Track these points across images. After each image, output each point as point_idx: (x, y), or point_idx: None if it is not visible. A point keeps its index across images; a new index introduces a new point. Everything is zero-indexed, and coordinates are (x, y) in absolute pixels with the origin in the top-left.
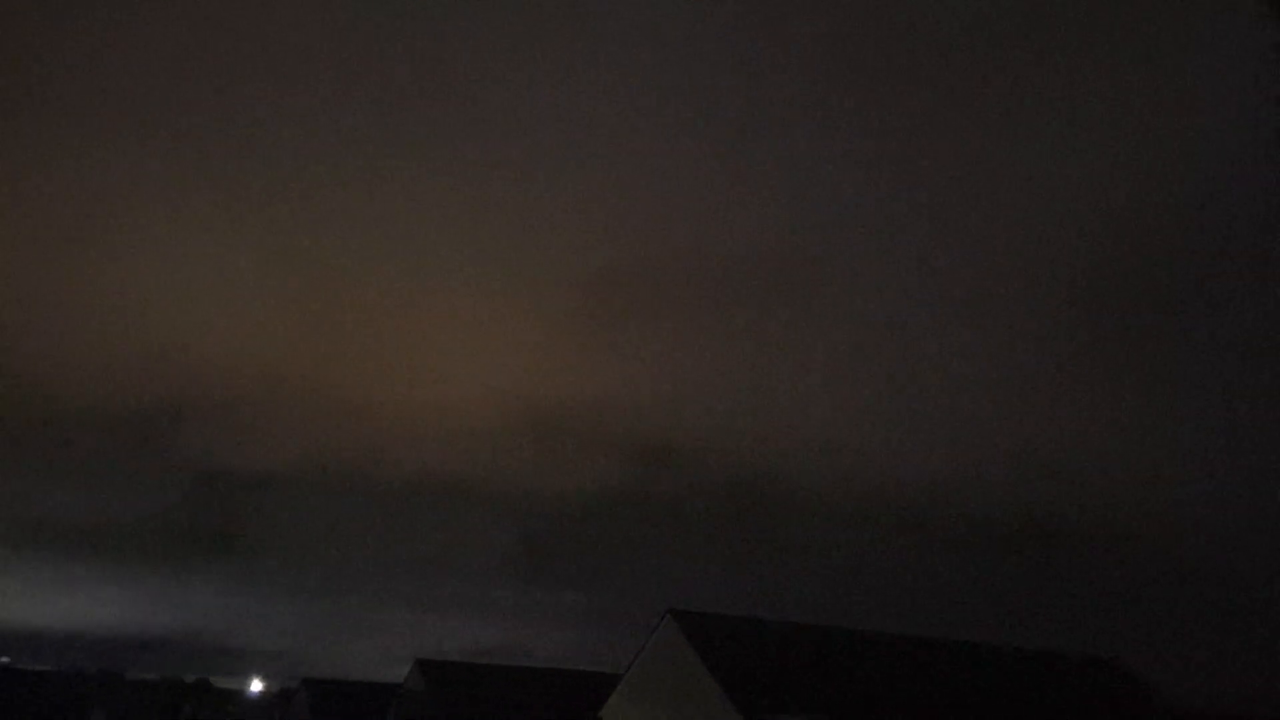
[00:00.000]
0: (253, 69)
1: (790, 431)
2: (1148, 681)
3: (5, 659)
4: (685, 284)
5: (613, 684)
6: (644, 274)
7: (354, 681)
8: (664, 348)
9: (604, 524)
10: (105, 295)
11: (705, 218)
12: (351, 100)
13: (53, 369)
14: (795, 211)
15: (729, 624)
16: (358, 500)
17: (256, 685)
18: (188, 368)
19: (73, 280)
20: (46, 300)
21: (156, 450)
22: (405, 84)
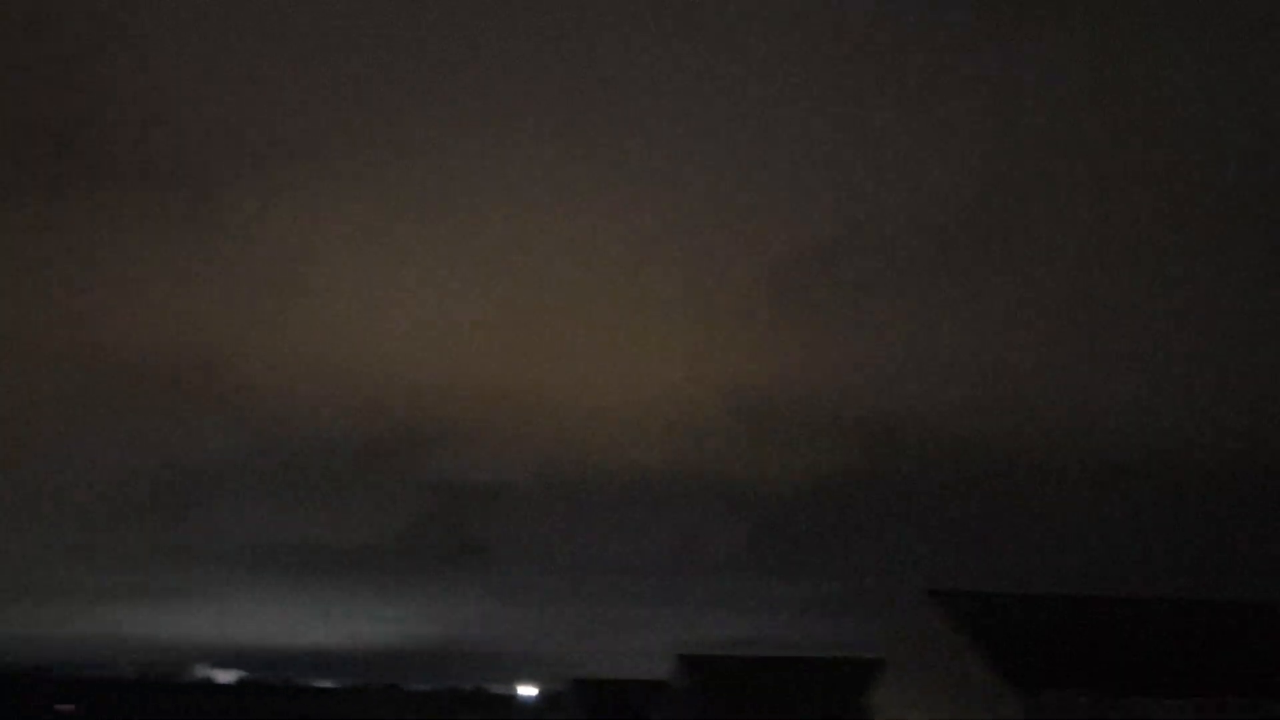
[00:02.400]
0: (452, 113)
1: (1018, 396)
2: None
3: (289, 677)
4: (888, 256)
5: (872, 670)
6: (845, 249)
7: (621, 680)
8: (875, 323)
9: (839, 508)
10: (338, 335)
11: (902, 184)
12: (541, 128)
13: (299, 405)
14: (991, 167)
15: (988, 599)
16: (596, 502)
17: (527, 689)
18: (420, 394)
19: (307, 323)
20: (284, 344)
21: (401, 472)
22: (593, 98)
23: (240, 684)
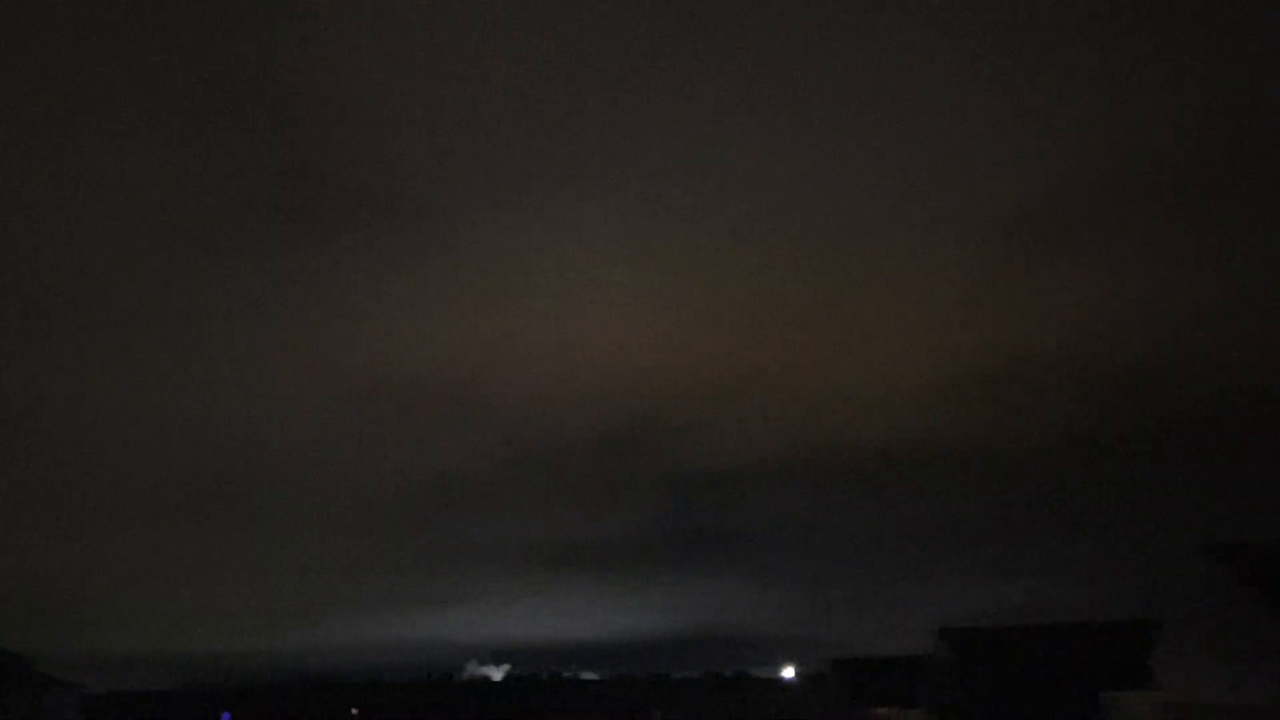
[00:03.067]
0: (665, 113)
1: (1275, 339)
2: None
3: (553, 669)
4: (1107, 207)
5: (1149, 632)
6: (1083, 197)
7: (882, 658)
8: (1119, 271)
9: (1096, 465)
10: (576, 340)
11: (1117, 129)
12: (756, 110)
13: (545, 410)
14: (1236, 101)
15: (1272, 551)
16: (844, 480)
17: (789, 672)
18: (658, 388)
19: (546, 333)
20: (527, 355)
21: (647, 466)
22: (807, 74)
23: (511, 679)
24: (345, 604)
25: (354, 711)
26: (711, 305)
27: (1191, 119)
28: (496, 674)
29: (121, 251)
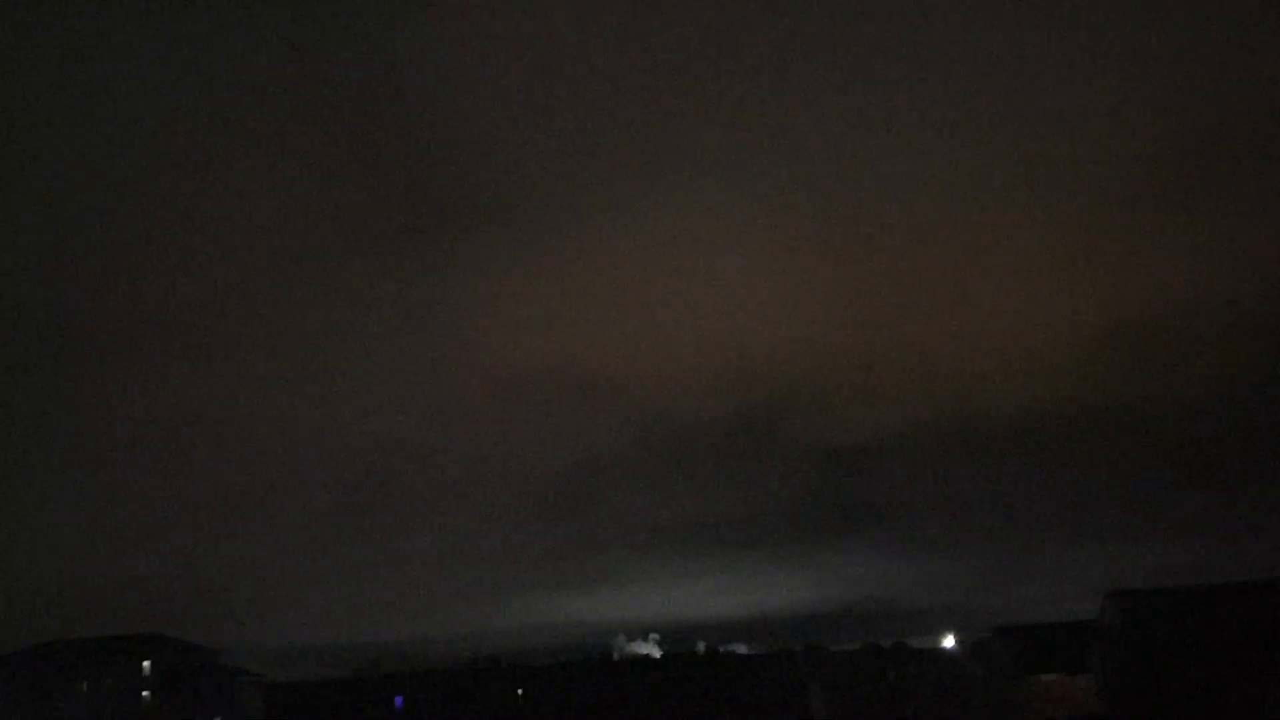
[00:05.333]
0: (770, 108)
1: None
2: None
3: (709, 644)
4: (1249, 149)
5: None
6: (1201, 147)
7: (1046, 624)
8: (1247, 223)
9: (1254, 416)
10: (705, 322)
11: (1260, 68)
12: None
13: (675, 390)
14: None
15: None
16: (989, 447)
17: (949, 641)
18: (789, 363)
19: (670, 319)
20: (654, 340)
21: (781, 440)
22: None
23: (668, 655)
24: (501, 589)
25: (519, 692)
26: (841, 279)
27: None
28: (653, 650)
29: (270, 269)
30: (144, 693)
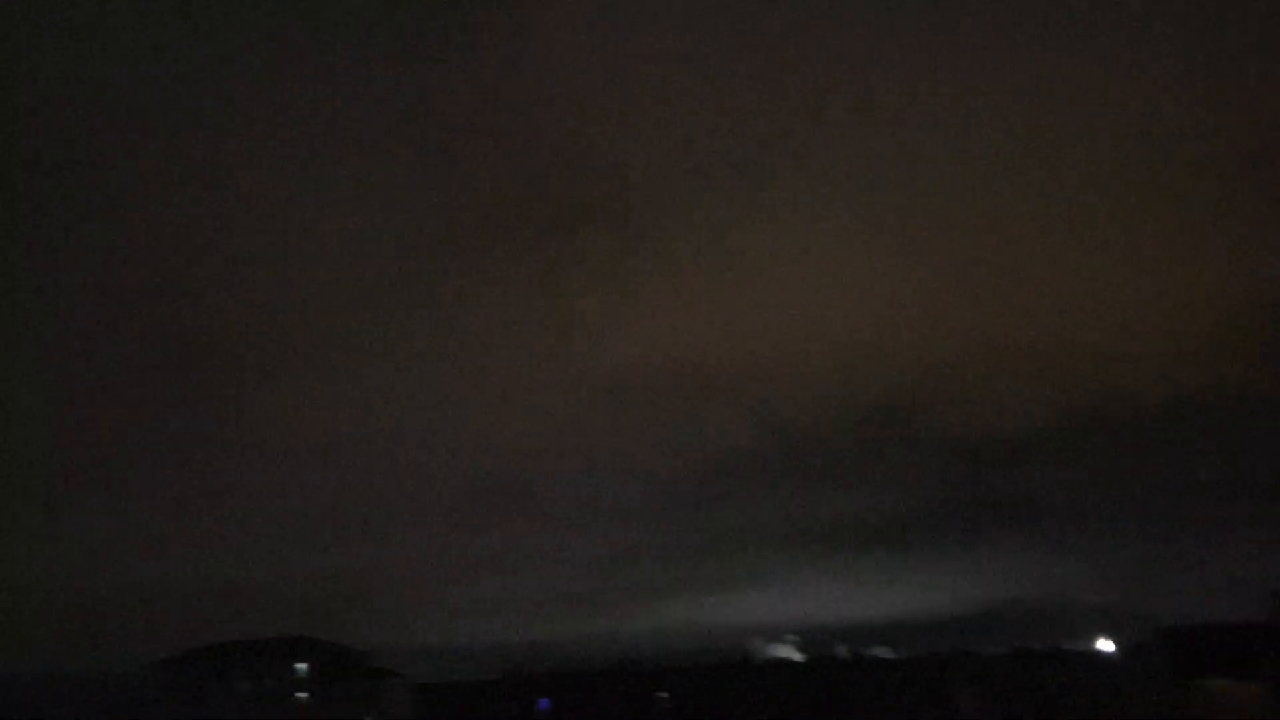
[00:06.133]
0: (883, 95)
1: None
2: None
3: (852, 647)
4: None
5: None
6: None
7: (1211, 624)
8: None
9: None
10: (818, 315)
11: None
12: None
13: (794, 383)
14: None
15: None
16: (1134, 440)
17: (1106, 644)
18: (916, 358)
19: (787, 308)
20: (772, 336)
21: (912, 436)
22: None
23: (811, 659)
24: (639, 590)
25: (662, 695)
26: (975, 268)
27: None
28: (793, 653)
29: (387, 275)
30: (298, 694)
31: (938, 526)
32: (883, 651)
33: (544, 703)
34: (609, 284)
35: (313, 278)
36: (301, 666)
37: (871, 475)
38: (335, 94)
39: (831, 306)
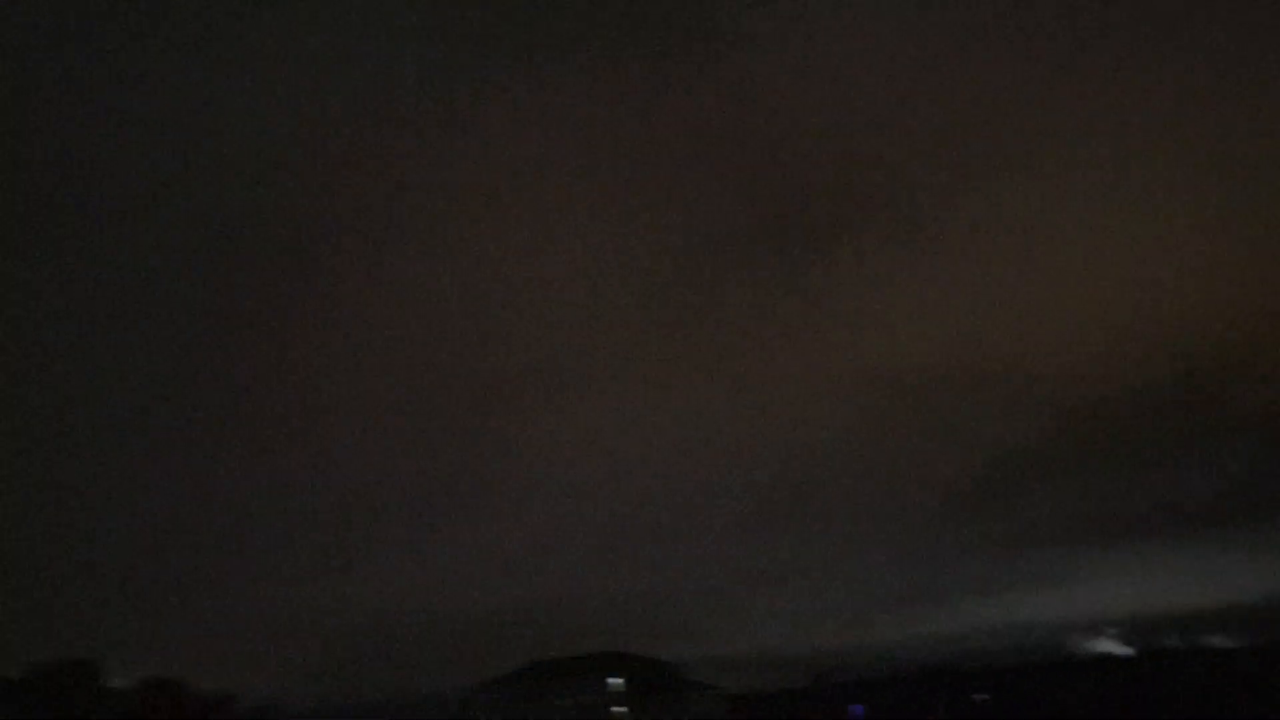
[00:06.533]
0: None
1: None
2: None
3: (1184, 639)
4: None
5: None
6: None
7: None
8: None
9: None
10: (1109, 287)
11: None
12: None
13: (1090, 366)
14: None
15: None
16: None
17: None
18: (1225, 328)
19: (1067, 284)
20: (1051, 314)
21: (1223, 414)
22: None
23: (1140, 653)
24: (946, 592)
25: (981, 697)
26: (1269, 239)
27: None
28: (1119, 648)
29: (659, 289)
30: (615, 708)
31: (1261, 503)
32: (1220, 640)
33: (858, 709)
34: (882, 282)
35: (586, 295)
36: (617, 681)
37: (1178, 455)
38: (601, 110)
39: (1118, 286)
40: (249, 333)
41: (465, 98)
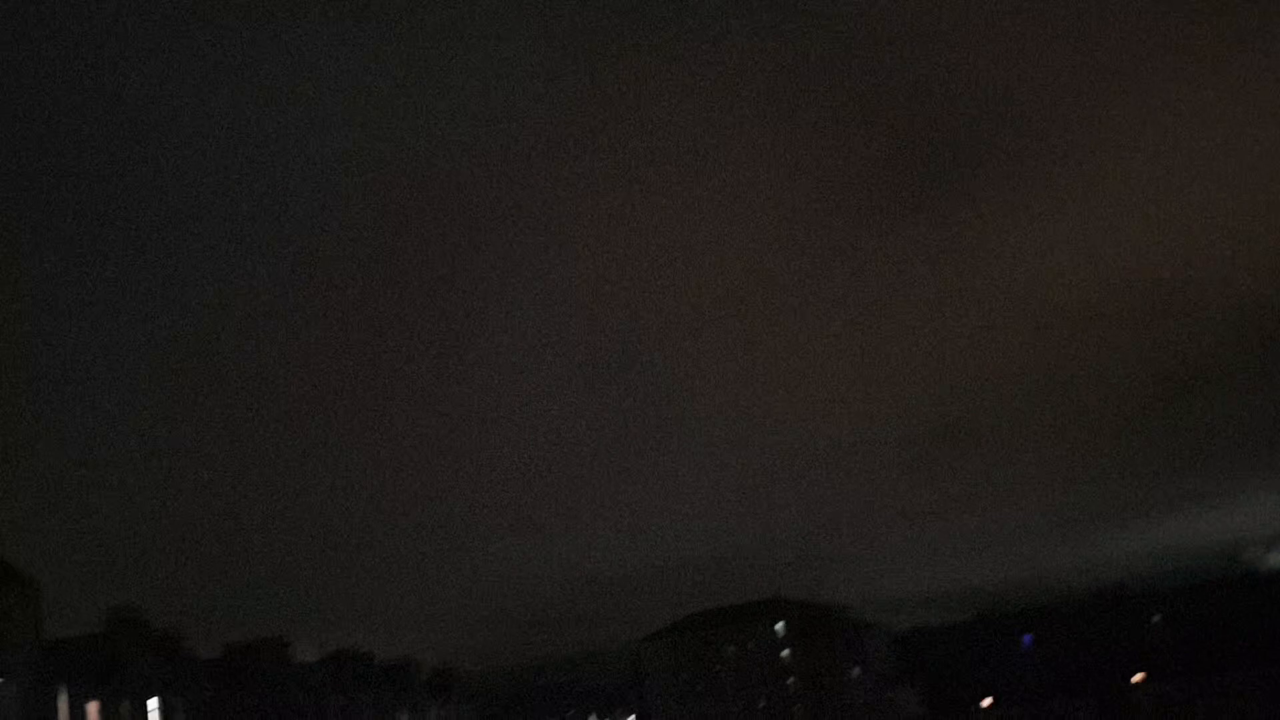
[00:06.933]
0: None
1: None
2: None
3: None
4: None
5: None
6: None
7: None
8: None
9: None
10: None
11: None
12: None
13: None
14: None
15: None
16: None
17: None
18: None
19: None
20: (1237, 219)
21: None
22: None
23: None
24: (1112, 514)
25: (1155, 618)
26: None
27: None
28: None
29: (809, 237)
30: (782, 652)
31: None
32: None
33: (1028, 639)
34: (1030, 211)
35: (742, 245)
36: (780, 626)
37: None
38: (763, 71)
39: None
40: (426, 317)
41: (642, 67)
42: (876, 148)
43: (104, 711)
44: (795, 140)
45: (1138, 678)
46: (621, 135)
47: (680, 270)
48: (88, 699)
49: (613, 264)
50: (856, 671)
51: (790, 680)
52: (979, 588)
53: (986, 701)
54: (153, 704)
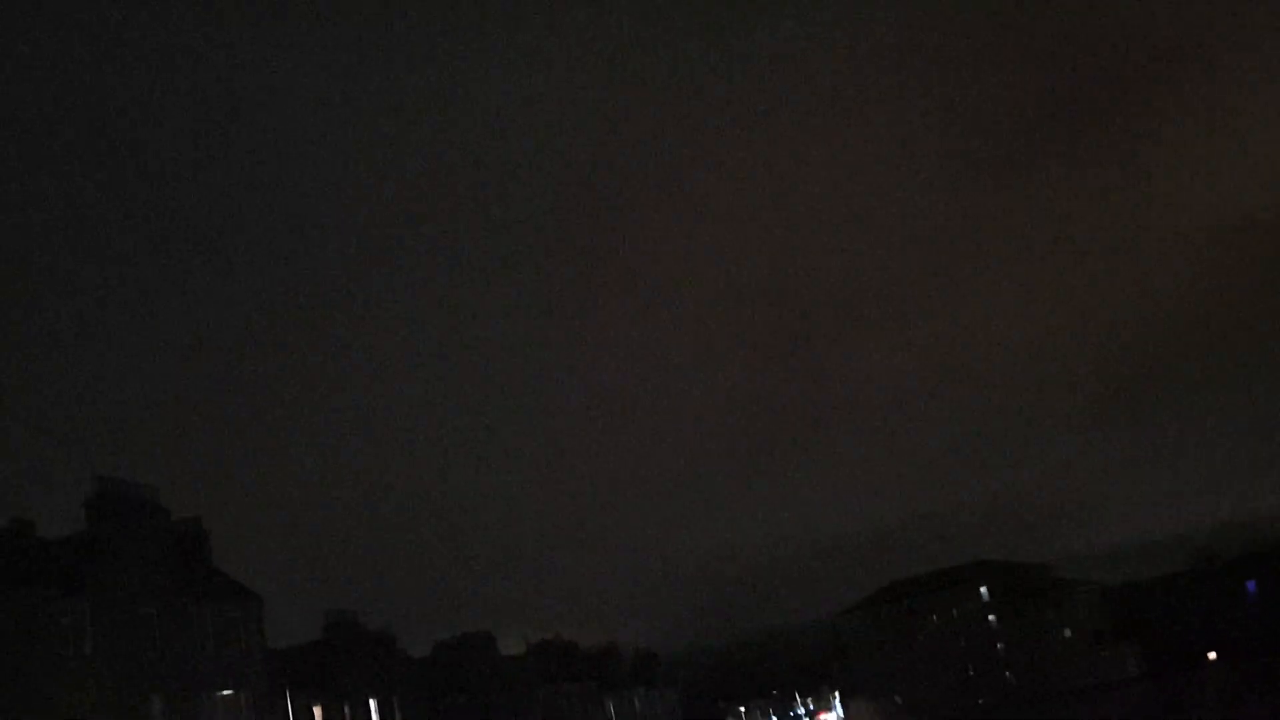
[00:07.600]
0: None
1: None
2: None
3: None
4: None
5: None
6: None
7: None
8: None
9: None
10: None
11: None
12: None
13: None
14: None
15: None
16: None
17: None
18: None
19: None
20: None
21: None
22: None
23: None
24: None
25: None
26: None
27: None
28: None
29: (981, 165)
30: (989, 616)
31: None
32: None
33: (1251, 586)
34: (1196, 137)
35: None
36: (984, 590)
37: None
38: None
39: None
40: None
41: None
42: (1034, 89)
43: (327, 714)
44: (956, 87)
45: None
46: (787, 85)
47: (853, 235)
48: (312, 704)
49: (781, 243)
50: (1068, 632)
51: (999, 646)
52: (1191, 535)
53: (1211, 656)
54: (372, 704)
